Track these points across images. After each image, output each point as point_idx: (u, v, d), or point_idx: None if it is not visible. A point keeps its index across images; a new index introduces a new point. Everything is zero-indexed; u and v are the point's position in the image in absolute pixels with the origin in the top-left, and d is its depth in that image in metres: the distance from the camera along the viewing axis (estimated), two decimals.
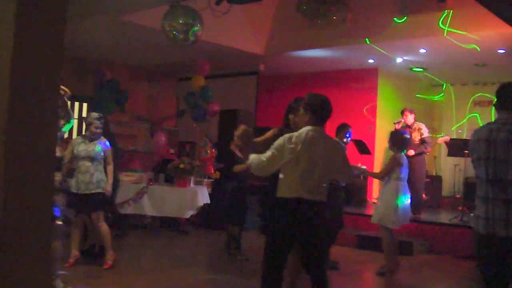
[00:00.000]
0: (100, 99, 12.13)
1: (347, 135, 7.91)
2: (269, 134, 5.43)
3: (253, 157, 4.68)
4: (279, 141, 4.58)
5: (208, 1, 7.89)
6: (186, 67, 12.86)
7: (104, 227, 7.28)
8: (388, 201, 7.60)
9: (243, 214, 8.38)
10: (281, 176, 4.60)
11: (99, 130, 7.28)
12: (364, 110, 13.15)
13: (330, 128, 5.50)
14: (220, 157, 10.96)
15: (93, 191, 7.17)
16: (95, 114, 7.38)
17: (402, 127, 10.59)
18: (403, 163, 7.66)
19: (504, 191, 4.00)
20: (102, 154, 7.29)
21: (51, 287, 2.35)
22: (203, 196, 10.22)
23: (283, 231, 4.58)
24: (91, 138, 7.27)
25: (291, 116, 5.32)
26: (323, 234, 4.72)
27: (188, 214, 10.06)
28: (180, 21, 7.88)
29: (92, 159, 7.20)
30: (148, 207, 9.64)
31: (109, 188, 7.33)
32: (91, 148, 7.24)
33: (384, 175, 7.72)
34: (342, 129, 8.07)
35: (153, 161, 12.22)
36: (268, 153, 4.58)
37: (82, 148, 7.24)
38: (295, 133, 4.58)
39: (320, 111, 4.64)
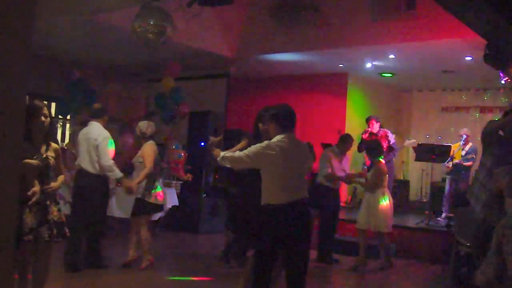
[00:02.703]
0: (68, 99, 12.01)
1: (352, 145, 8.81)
2: (238, 147, 5.76)
3: (224, 152, 5.01)
4: (257, 148, 4.80)
5: (180, 2, 7.87)
6: (157, 68, 12.79)
7: (142, 233, 7.42)
8: (381, 207, 8.09)
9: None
10: (264, 184, 4.83)
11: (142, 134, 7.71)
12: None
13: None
14: (190, 159, 10.99)
15: (135, 196, 7.53)
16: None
17: (368, 135, 10.74)
18: (385, 170, 8.02)
19: None
20: (141, 159, 7.56)
21: None
22: (171, 199, 10.17)
23: (273, 237, 4.73)
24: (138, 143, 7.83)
25: (260, 125, 5.41)
26: (311, 234, 4.98)
27: (156, 216, 9.99)
28: (151, 22, 7.85)
29: (136, 165, 7.64)
30: (115, 209, 9.54)
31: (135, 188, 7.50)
32: (138, 153, 7.68)
33: (377, 186, 8.08)
34: (348, 141, 8.73)
35: (121, 162, 12.10)
36: (246, 152, 4.84)
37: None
38: (270, 145, 4.79)
39: (284, 120, 4.91)
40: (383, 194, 8.09)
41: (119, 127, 12.99)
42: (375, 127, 10.72)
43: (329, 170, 8.49)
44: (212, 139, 5.23)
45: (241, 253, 7.88)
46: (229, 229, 7.84)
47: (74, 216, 7.13)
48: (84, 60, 12.84)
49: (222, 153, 4.98)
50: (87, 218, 7.13)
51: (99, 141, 7.13)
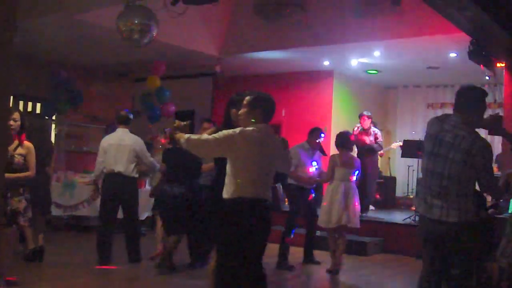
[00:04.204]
0: (54, 99, 11.95)
1: (321, 136, 8.31)
2: (207, 133, 5.11)
3: (189, 135, 4.49)
4: (230, 132, 4.38)
5: (164, 1, 7.84)
6: (142, 68, 12.75)
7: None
8: (326, 200, 7.76)
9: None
10: (231, 176, 4.41)
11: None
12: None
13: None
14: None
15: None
16: None
17: (359, 131, 10.76)
18: (340, 162, 7.71)
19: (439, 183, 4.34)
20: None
21: None
22: None
23: (244, 233, 4.33)
24: None
25: (233, 111, 4.99)
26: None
27: (143, 215, 9.96)
28: (135, 21, 7.82)
29: None
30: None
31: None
32: None
33: (328, 177, 7.87)
34: (314, 132, 8.33)
35: None
36: (216, 135, 4.41)
37: None
38: (245, 131, 4.39)
39: (267, 108, 4.57)
40: (335, 187, 7.80)
41: (105, 127, 12.93)
42: (366, 123, 10.76)
43: (292, 169, 7.65)
44: (178, 122, 4.66)
45: (205, 252, 7.50)
46: (172, 233, 7.57)
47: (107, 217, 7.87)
48: (69, 60, 12.78)
49: (186, 136, 4.45)
50: (128, 218, 7.93)
51: (136, 147, 7.79)
